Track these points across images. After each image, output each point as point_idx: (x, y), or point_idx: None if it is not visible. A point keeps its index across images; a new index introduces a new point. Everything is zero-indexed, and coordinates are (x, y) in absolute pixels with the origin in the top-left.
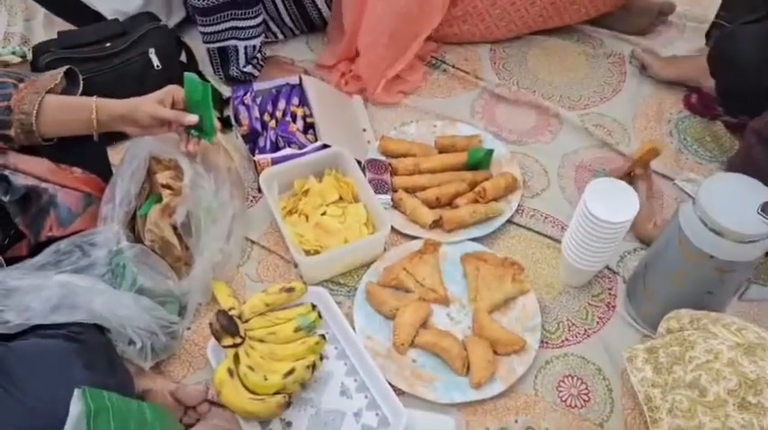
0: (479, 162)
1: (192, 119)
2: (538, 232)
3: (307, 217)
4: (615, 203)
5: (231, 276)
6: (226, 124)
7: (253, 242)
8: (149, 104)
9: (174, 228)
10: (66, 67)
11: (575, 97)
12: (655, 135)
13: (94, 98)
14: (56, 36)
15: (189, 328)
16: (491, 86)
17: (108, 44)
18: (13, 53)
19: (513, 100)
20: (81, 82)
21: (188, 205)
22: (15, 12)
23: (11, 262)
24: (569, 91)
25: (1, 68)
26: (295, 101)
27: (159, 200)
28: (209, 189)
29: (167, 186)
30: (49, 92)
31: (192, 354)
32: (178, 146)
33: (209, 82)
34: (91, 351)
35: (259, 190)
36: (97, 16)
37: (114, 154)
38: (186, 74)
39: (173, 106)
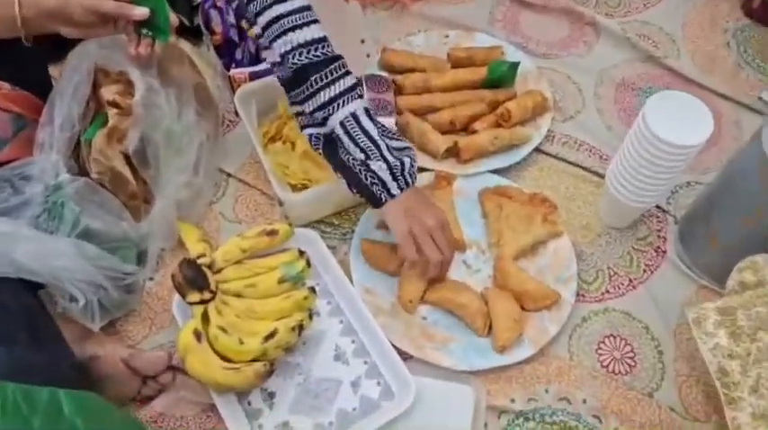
0: (502, 78)
1: (141, 12)
2: (572, 163)
3: (293, 144)
4: (683, 121)
5: (202, 215)
6: (196, 33)
7: (229, 175)
8: None
9: (126, 156)
10: None
11: (613, 2)
12: (708, 46)
13: None
14: None
15: (151, 279)
16: None
17: None
18: None
19: (540, 5)
20: None
21: (141, 128)
22: None
23: None
24: None
25: None
26: None
27: (107, 121)
28: (168, 108)
29: (114, 104)
30: None
31: (155, 310)
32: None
33: None
34: (5, 318)
35: (236, 113)
36: None
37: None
38: None
39: None
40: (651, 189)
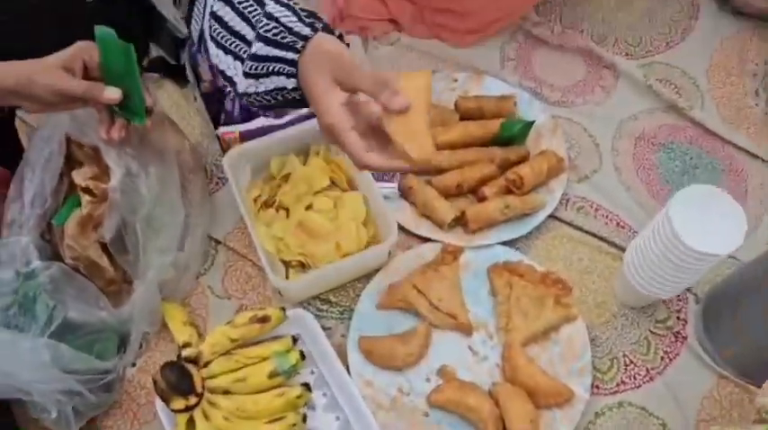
0: (514, 137)
1: (112, 94)
2: (587, 232)
3: (287, 211)
4: (713, 224)
5: (189, 290)
6: (181, 75)
7: (218, 242)
8: (50, 73)
9: (103, 245)
10: None
11: (633, 40)
12: (736, 94)
13: None
14: None
15: (134, 365)
16: (527, 25)
17: None
18: None
19: (555, 44)
20: None
21: (118, 215)
22: None
23: None
24: (626, 31)
25: None
26: None
27: (80, 203)
28: (148, 193)
29: (87, 190)
30: None
31: (138, 403)
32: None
33: (134, 40)
34: None
35: None
36: None
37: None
38: (98, 28)
39: (85, 73)
40: (670, 283)
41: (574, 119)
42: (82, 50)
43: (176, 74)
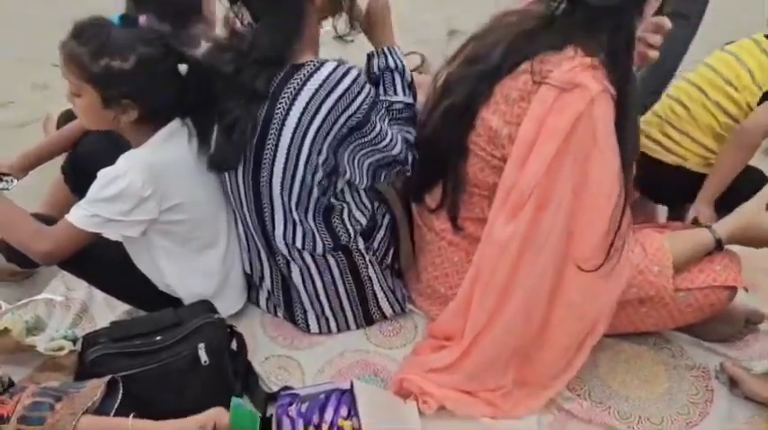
0: None
1: None
2: None
3: None
4: None
5: None
6: (266, 425)
7: None
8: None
9: None
10: (109, 377)
11: (656, 418)
12: None
13: (130, 420)
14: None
15: None
16: (561, 400)
17: (158, 337)
18: (65, 337)
19: (585, 419)
20: (120, 394)
21: None
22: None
23: None
24: (649, 409)
25: (46, 378)
26: (343, 411)
27: None
28: None
29: None
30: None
31: None
32: None
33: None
34: None
35: None
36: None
37: None
38: (235, 401)
39: None
40: None
41: None
42: (214, 415)
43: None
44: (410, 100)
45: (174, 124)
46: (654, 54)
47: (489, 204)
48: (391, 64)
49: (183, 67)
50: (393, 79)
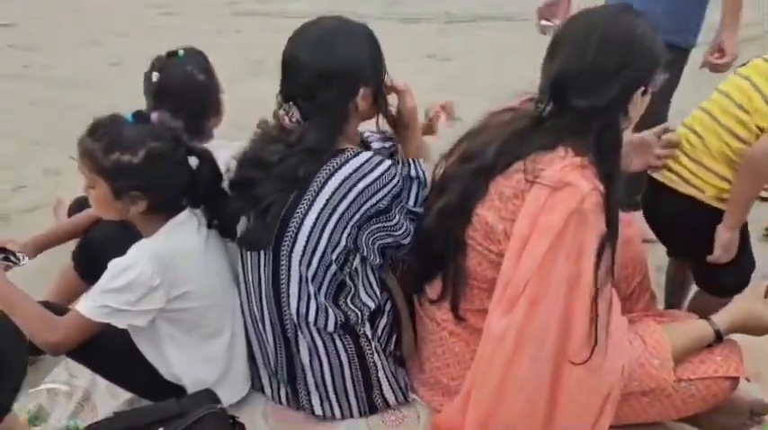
0: None
1: None
2: None
3: None
4: None
5: None
6: None
7: None
8: None
9: None
10: None
11: None
12: None
13: None
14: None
15: None
16: None
17: (161, 429)
18: (67, 428)
19: None
20: None
21: None
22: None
23: None
24: None
25: None
26: None
27: None
28: None
29: None
30: None
31: None
32: None
33: None
34: None
35: None
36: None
37: None
38: None
39: None
40: None
41: None
42: None
43: None
44: (420, 211)
45: (185, 214)
46: (657, 164)
47: (489, 297)
48: (413, 174)
49: (193, 161)
50: (410, 188)
